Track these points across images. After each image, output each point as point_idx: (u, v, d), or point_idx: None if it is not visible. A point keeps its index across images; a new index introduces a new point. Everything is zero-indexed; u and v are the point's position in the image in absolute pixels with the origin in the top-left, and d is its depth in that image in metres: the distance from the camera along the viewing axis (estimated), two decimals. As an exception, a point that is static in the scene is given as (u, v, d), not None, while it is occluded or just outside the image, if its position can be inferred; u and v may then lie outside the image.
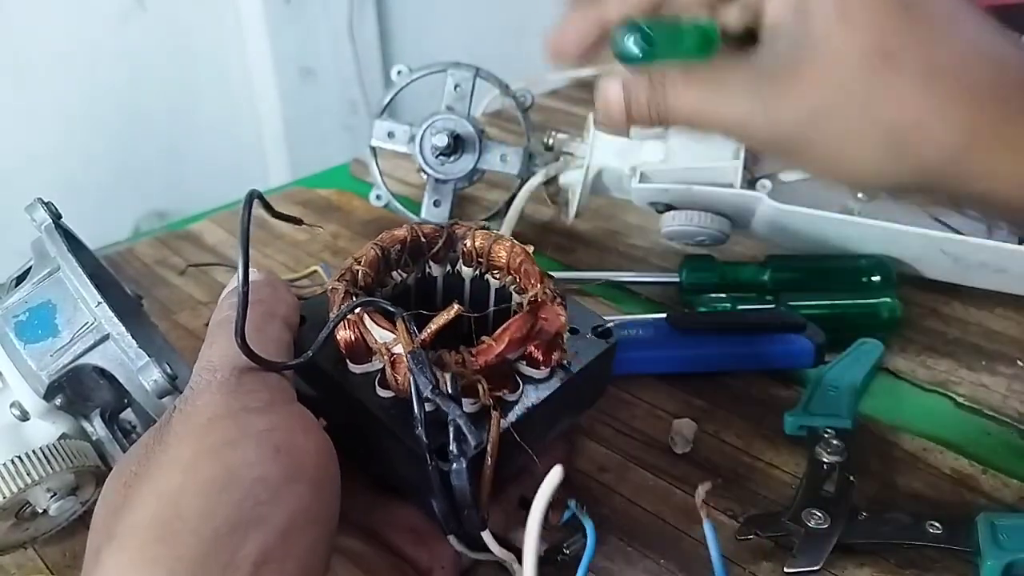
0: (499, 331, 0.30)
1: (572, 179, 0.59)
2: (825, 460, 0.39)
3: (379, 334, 0.30)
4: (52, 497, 0.36)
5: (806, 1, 0.28)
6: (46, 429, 0.37)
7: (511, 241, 0.36)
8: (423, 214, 0.62)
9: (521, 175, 0.61)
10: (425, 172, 0.61)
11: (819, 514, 0.36)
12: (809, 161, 0.31)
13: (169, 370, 0.36)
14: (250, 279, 0.32)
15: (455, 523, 0.30)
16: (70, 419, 0.38)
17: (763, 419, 0.44)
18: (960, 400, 0.45)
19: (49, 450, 0.35)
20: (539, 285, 0.33)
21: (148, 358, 0.36)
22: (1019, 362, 0.48)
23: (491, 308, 0.37)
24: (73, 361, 0.36)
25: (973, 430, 0.43)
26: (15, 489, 0.34)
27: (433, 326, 0.29)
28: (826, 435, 0.40)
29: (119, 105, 1.16)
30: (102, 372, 0.37)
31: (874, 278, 0.50)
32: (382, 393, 0.30)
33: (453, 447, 0.28)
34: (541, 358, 0.32)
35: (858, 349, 0.47)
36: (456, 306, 0.29)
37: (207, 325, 0.55)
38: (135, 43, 1.15)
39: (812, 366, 0.46)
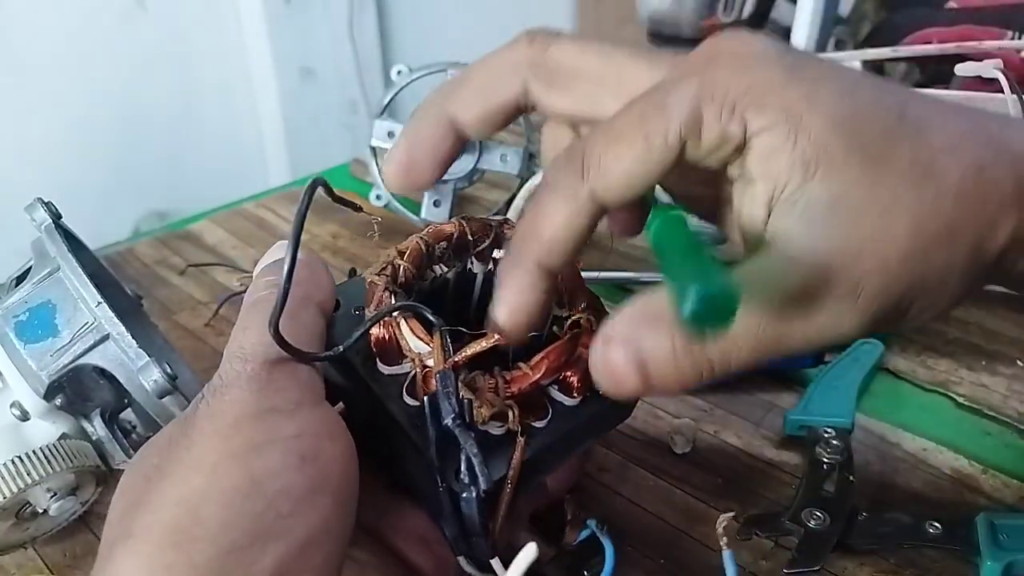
0: (538, 359, 0.29)
1: (572, 179, 0.59)
2: (825, 460, 0.39)
3: (414, 343, 0.29)
4: (52, 497, 0.36)
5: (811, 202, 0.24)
6: (46, 429, 0.37)
7: None
8: (423, 214, 0.62)
9: (521, 175, 0.61)
10: (425, 172, 0.61)
11: (819, 514, 0.36)
12: (917, 316, 0.26)
13: (169, 370, 0.36)
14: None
15: (465, 546, 0.29)
16: (70, 419, 0.38)
17: (763, 419, 0.44)
18: (960, 400, 0.45)
19: (49, 450, 0.35)
20: (583, 307, 0.31)
21: (148, 358, 0.36)
22: (1019, 362, 0.48)
23: None
24: (73, 361, 0.36)
25: (973, 430, 0.43)
26: (15, 489, 0.34)
27: (469, 351, 0.28)
28: (826, 435, 0.40)
29: (119, 105, 1.16)
30: (102, 372, 0.37)
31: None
32: (409, 400, 0.29)
33: (465, 475, 0.27)
34: (575, 386, 0.30)
35: (858, 349, 0.47)
36: (496, 336, 0.28)
37: (207, 325, 0.55)
38: (135, 43, 1.15)
39: (812, 366, 0.46)
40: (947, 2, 0.79)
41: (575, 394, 0.30)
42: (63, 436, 0.38)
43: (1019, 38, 0.68)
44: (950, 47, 0.65)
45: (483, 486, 0.26)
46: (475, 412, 0.28)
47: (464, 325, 0.31)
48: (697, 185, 0.28)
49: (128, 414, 0.41)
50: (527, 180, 0.60)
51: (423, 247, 0.33)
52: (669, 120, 0.25)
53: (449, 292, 0.35)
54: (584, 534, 0.33)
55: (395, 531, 0.31)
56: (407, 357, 0.29)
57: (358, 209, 0.32)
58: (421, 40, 1.44)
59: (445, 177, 0.60)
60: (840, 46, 0.87)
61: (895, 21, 0.80)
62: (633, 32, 1.20)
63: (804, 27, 0.79)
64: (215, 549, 0.22)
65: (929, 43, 0.68)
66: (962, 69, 0.59)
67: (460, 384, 0.28)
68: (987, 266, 0.25)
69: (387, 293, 0.30)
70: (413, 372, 0.29)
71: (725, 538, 0.30)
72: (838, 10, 0.84)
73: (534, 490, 0.32)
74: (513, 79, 0.30)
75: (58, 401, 0.37)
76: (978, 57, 0.60)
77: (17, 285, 0.38)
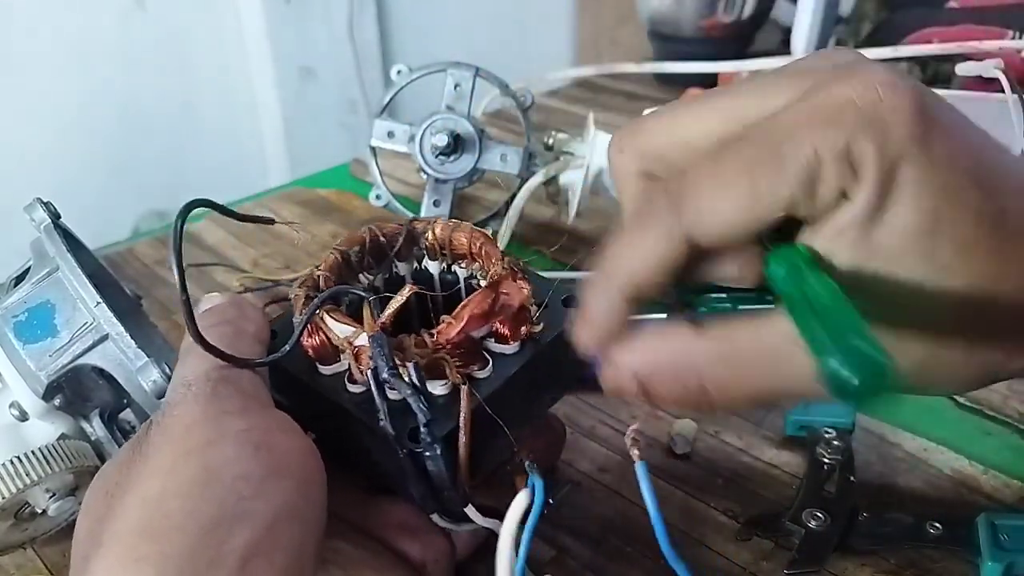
0: (459, 308, 0.31)
1: (572, 179, 0.59)
2: (825, 460, 0.39)
3: (340, 330, 0.31)
4: (51, 497, 0.36)
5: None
6: (45, 429, 0.37)
7: (470, 226, 0.36)
8: (423, 214, 0.62)
9: (521, 175, 0.61)
10: (425, 172, 0.61)
11: (819, 514, 0.36)
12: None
13: (168, 370, 0.36)
14: (214, 302, 0.34)
15: (434, 503, 0.30)
16: (69, 419, 0.38)
17: (763, 419, 0.44)
18: (961, 400, 0.45)
19: (48, 450, 0.35)
20: (499, 262, 0.33)
21: (147, 358, 0.36)
22: (1020, 362, 0.48)
23: (462, 297, 0.36)
24: (72, 361, 0.36)
25: (974, 430, 0.43)
26: (14, 489, 0.34)
27: (389, 309, 0.30)
28: (827, 435, 0.40)
29: (119, 105, 1.15)
30: (101, 372, 0.37)
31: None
32: (352, 388, 0.31)
33: (424, 433, 0.28)
34: (508, 333, 0.32)
35: (859, 349, 0.47)
36: (409, 286, 0.31)
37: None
38: (135, 43, 1.14)
39: (812, 366, 0.46)
40: (947, 2, 0.79)
41: (511, 341, 0.32)
42: (62, 436, 0.37)
43: (1019, 38, 0.68)
44: (951, 47, 0.65)
45: (423, 420, 0.28)
46: (410, 370, 0.29)
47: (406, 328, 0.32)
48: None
49: (127, 414, 0.41)
50: (527, 180, 0.60)
51: (339, 256, 0.35)
52: (784, 172, 0.22)
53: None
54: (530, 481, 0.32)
55: (377, 523, 0.32)
56: (341, 351, 0.31)
57: (269, 222, 0.34)
58: (421, 40, 1.44)
59: (444, 177, 0.61)
60: (840, 46, 0.87)
61: (896, 21, 0.80)
62: (633, 32, 1.20)
63: (804, 27, 0.79)
64: (183, 535, 0.23)
65: (930, 43, 0.68)
66: (963, 69, 0.59)
67: (389, 344, 0.29)
68: None
69: (310, 301, 0.32)
70: (349, 361, 0.31)
71: (635, 450, 0.30)
72: (838, 10, 0.84)
73: (499, 445, 0.32)
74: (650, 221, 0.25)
75: (57, 401, 0.37)
76: (979, 57, 0.60)
77: (16, 285, 0.38)
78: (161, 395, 0.36)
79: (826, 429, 0.41)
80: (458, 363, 0.30)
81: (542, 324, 0.34)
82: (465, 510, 0.30)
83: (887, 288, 0.23)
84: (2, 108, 1.06)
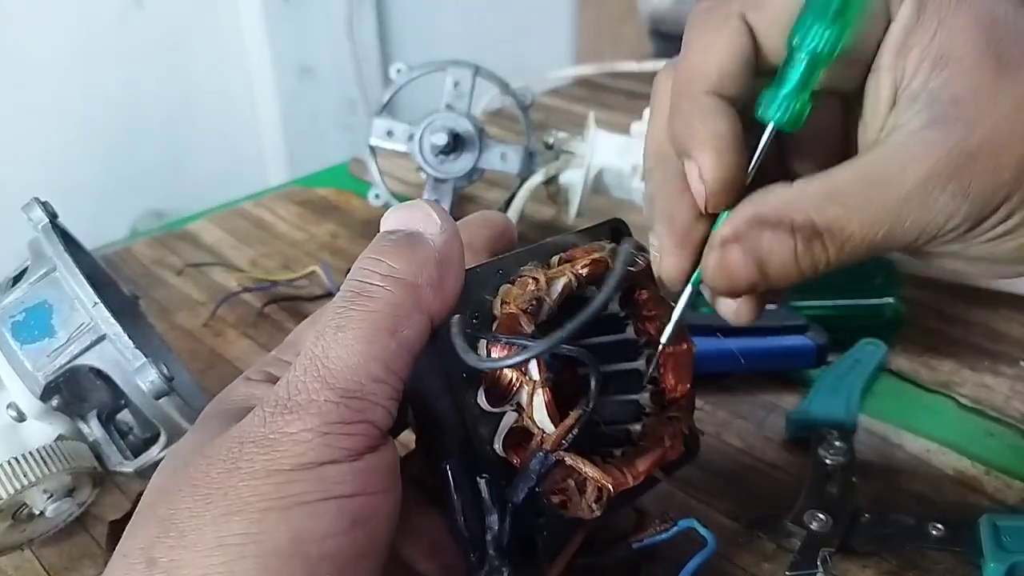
0: (642, 468, 0.29)
1: (573, 178, 0.59)
2: (827, 461, 0.39)
3: (540, 419, 0.27)
4: (49, 499, 0.36)
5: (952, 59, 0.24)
6: (43, 430, 0.37)
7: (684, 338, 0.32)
8: (422, 213, 0.61)
9: (521, 174, 0.60)
10: (424, 171, 0.61)
11: (821, 516, 0.36)
12: (983, 247, 0.26)
13: (166, 371, 0.35)
14: (429, 227, 0.26)
15: None
16: (67, 420, 0.38)
17: (765, 420, 0.44)
18: (963, 401, 0.45)
19: (46, 451, 0.35)
20: (687, 419, 0.32)
21: (145, 359, 0.35)
22: (1022, 363, 0.48)
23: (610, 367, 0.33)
24: (69, 362, 0.36)
25: (976, 431, 0.43)
26: (12, 491, 0.34)
27: (583, 467, 0.27)
28: (828, 436, 0.40)
29: (117, 104, 1.15)
30: (99, 373, 0.37)
31: (876, 278, 0.50)
32: (498, 450, 0.27)
33: (492, 544, 0.26)
34: (647, 472, 0.30)
35: (861, 350, 0.47)
36: (581, 411, 0.27)
37: (205, 325, 0.55)
38: (133, 42, 1.14)
39: (814, 367, 0.46)
40: None
41: (641, 476, 0.30)
42: (60, 437, 0.37)
43: None
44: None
45: (506, 545, 0.26)
46: (571, 508, 0.27)
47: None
48: (841, 79, 0.27)
49: (125, 415, 0.40)
50: (527, 179, 0.59)
51: (574, 286, 0.28)
52: None
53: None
54: (663, 535, 0.32)
55: (403, 536, 0.28)
56: (516, 409, 0.27)
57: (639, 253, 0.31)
58: (420, 38, 1.44)
59: (444, 176, 0.60)
60: None
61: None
62: (633, 31, 1.20)
63: (805, 26, 0.78)
64: None
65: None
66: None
67: (581, 470, 0.27)
68: None
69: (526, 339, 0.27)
70: (513, 425, 0.27)
71: None
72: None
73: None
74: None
75: (54, 402, 0.37)
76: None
77: (13, 285, 0.37)
78: (159, 396, 0.36)
79: (828, 430, 0.40)
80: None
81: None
82: None
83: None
84: (0, 108, 1.06)
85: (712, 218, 0.28)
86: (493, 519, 0.26)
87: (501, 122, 0.83)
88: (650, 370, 0.32)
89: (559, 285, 0.28)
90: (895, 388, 0.46)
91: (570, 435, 0.26)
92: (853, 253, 0.25)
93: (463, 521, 0.26)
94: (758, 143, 0.26)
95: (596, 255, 0.29)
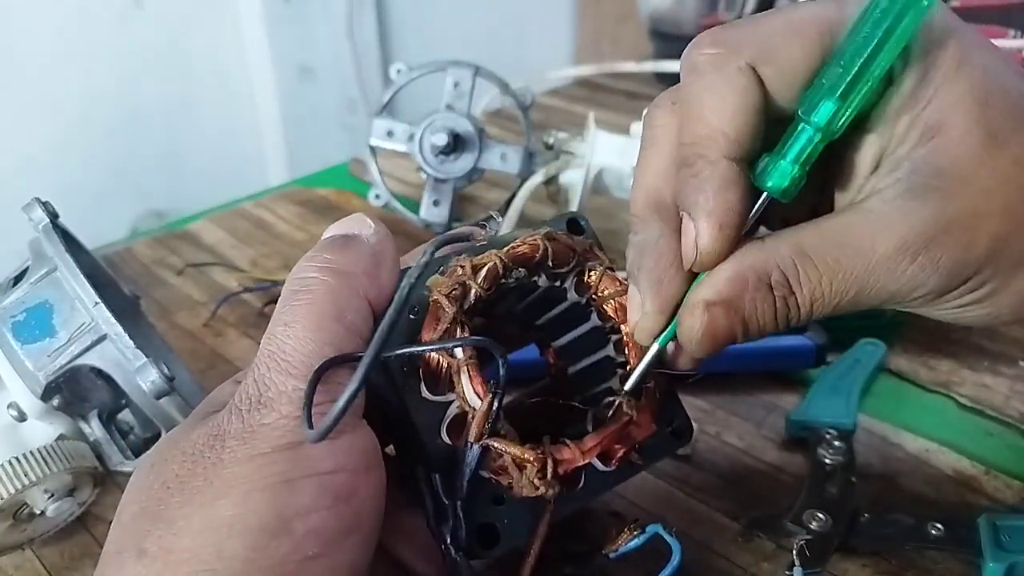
0: (590, 445, 0.28)
1: (572, 178, 0.59)
2: (827, 461, 0.39)
3: (471, 397, 0.27)
4: (50, 498, 0.36)
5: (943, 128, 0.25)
6: (43, 430, 0.37)
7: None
8: (422, 214, 0.62)
9: (521, 174, 0.60)
10: (424, 171, 0.61)
11: (821, 516, 0.36)
12: (978, 310, 0.26)
13: (167, 371, 0.35)
14: (365, 232, 0.27)
15: None
16: (67, 420, 0.38)
17: (765, 420, 0.44)
18: (962, 401, 0.45)
19: (47, 451, 0.35)
20: (652, 383, 0.31)
21: (146, 359, 0.35)
22: (1021, 362, 0.48)
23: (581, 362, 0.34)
24: (70, 362, 0.36)
25: (975, 431, 0.43)
26: (13, 490, 0.34)
27: (507, 448, 0.27)
28: (828, 436, 0.40)
29: (117, 105, 1.15)
30: (99, 373, 0.37)
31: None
32: (446, 439, 0.27)
33: (448, 536, 0.26)
34: (616, 457, 0.30)
35: (860, 350, 0.47)
36: (535, 454, 0.27)
37: (206, 325, 0.55)
38: (133, 42, 1.14)
39: (814, 367, 0.46)
40: (948, 2, 0.79)
41: (613, 463, 0.30)
42: (60, 437, 0.37)
43: (1020, 37, 0.68)
44: (951, 46, 0.64)
45: (464, 538, 0.26)
46: (515, 487, 0.27)
47: (514, 326, 0.30)
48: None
49: (126, 415, 0.40)
50: (527, 179, 0.59)
51: (500, 269, 0.29)
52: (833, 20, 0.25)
53: (508, 296, 0.33)
54: (634, 542, 0.31)
55: (393, 535, 0.29)
56: (455, 396, 0.28)
57: (481, 225, 0.31)
58: (420, 38, 1.44)
59: (444, 176, 0.60)
60: None
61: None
62: (633, 31, 1.20)
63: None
64: None
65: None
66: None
67: (505, 453, 0.27)
68: None
69: (455, 325, 0.28)
70: (455, 412, 0.27)
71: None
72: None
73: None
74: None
75: (55, 402, 0.37)
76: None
77: (14, 285, 0.38)
78: (159, 395, 0.36)
79: (827, 430, 0.41)
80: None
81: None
82: None
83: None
84: (0, 108, 1.06)
85: (691, 276, 0.27)
86: (448, 512, 0.26)
87: (501, 122, 0.83)
88: (617, 357, 0.32)
89: (484, 270, 0.29)
90: (894, 388, 0.47)
91: (490, 420, 0.27)
92: (820, 311, 0.26)
93: (430, 516, 0.27)
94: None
95: (527, 239, 0.30)
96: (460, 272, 0.28)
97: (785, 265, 0.26)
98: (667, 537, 0.31)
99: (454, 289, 0.28)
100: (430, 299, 0.28)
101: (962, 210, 0.24)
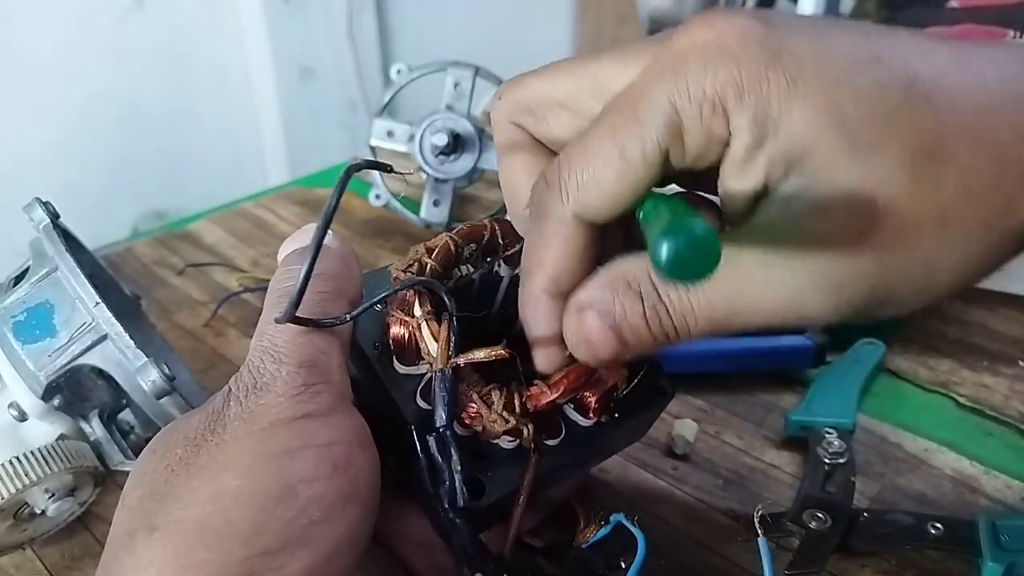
0: (557, 377, 0.29)
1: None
2: (826, 461, 0.39)
3: (433, 347, 0.29)
4: (50, 498, 0.36)
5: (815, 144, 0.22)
6: (44, 430, 0.37)
7: None
8: (422, 214, 0.62)
9: (521, 175, 0.60)
10: (425, 171, 0.61)
11: (820, 515, 0.36)
12: (898, 306, 0.24)
13: (167, 370, 0.35)
14: (330, 239, 0.30)
15: (470, 570, 0.28)
16: (68, 420, 0.38)
17: (764, 420, 0.44)
18: (962, 400, 0.45)
19: (47, 451, 0.35)
20: None
21: (146, 358, 0.35)
22: (1021, 362, 0.48)
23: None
24: (71, 362, 0.36)
25: (975, 431, 0.43)
26: (13, 490, 0.34)
27: (472, 356, 0.28)
28: (827, 436, 0.40)
29: (118, 105, 1.15)
30: (100, 372, 0.37)
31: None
32: (422, 404, 0.29)
33: (448, 508, 0.27)
34: (592, 407, 0.30)
35: (859, 349, 0.47)
36: (503, 351, 0.28)
37: (206, 325, 0.55)
38: (134, 43, 1.14)
39: (813, 366, 0.46)
40: (948, 2, 0.79)
41: (591, 415, 0.30)
42: (61, 437, 0.37)
43: (1021, 38, 0.68)
44: (951, 46, 0.64)
45: (461, 503, 0.27)
46: (487, 426, 0.28)
47: (485, 326, 0.30)
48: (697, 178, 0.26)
49: (126, 415, 0.41)
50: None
51: (452, 247, 0.32)
52: (644, 130, 0.23)
53: (473, 292, 0.34)
54: (601, 532, 0.32)
55: (396, 534, 0.30)
56: (424, 359, 0.29)
57: (388, 169, 0.30)
58: (420, 39, 1.44)
59: (444, 176, 0.60)
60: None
61: (897, 20, 0.80)
62: (633, 31, 1.20)
63: (804, 26, 0.78)
64: (246, 551, 0.22)
65: (930, 42, 0.68)
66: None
67: (472, 393, 0.27)
68: (1000, 244, 0.23)
69: (411, 292, 0.29)
70: (429, 375, 0.29)
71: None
72: (839, 9, 0.84)
73: (538, 504, 0.32)
74: (518, 149, 0.29)
75: (56, 402, 0.37)
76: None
77: (15, 285, 0.38)
78: (160, 395, 0.36)
79: (827, 430, 0.41)
80: (536, 428, 0.28)
81: (625, 402, 0.31)
82: None
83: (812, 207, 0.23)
84: (1, 108, 1.06)
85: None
86: (443, 474, 0.27)
87: (501, 122, 0.83)
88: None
89: (437, 248, 0.32)
90: (894, 388, 0.47)
91: (451, 346, 0.28)
92: (696, 329, 0.24)
93: (425, 484, 0.28)
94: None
95: (474, 222, 0.33)
96: (415, 253, 0.31)
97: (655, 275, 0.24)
98: (631, 527, 0.31)
99: (409, 265, 0.31)
100: (391, 278, 0.31)
101: (845, 231, 0.22)
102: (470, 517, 0.27)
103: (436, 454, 0.27)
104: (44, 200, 0.38)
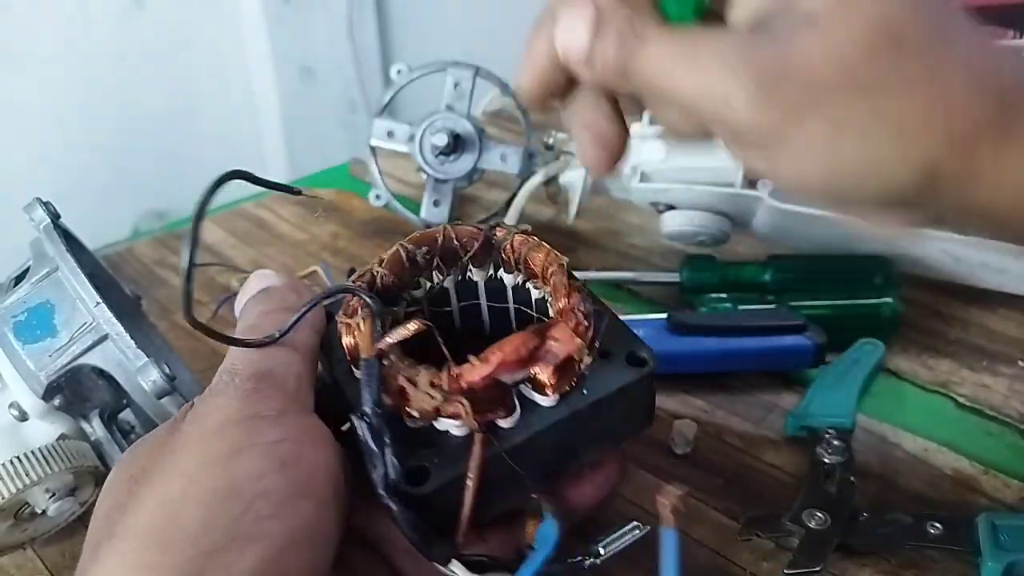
0: (489, 350, 0.27)
1: (572, 179, 0.59)
2: (826, 461, 0.39)
3: (362, 340, 0.29)
4: (51, 498, 0.36)
5: None
6: (45, 430, 0.37)
7: (547, 250, 0.33)
8: (423, 214, 0.62)
9: (521, 175, 0.60)
10: (425, 172, 0.61)
11: (820, 515, 0.36)
12: (791, 159, 0.25)
13: (168, 370, 0.36)
14: (268, 281, 0.34)
15: (426, 548, 0.27)
16: (69, 420, 0.38)
17: (764, 420, 0.44)
18: (961, 400, 0.45)
19: (48, 451, 0.35)
20: (564, 300, 0.30)
21: (147, 358, 0.36)
22: (1020, 362, 0.48)
23: (511, 324, 0.36)
24: (72, 361, 0.36)
25: (974, 430, 0.43)
26: (14, 490, 0.34)
27: (394, 336, 0.28)
28: (827, 435, 0.40)
29: (118, 105, 1.15)
30: (101, 372, 0.37)
31: (875, 278, 0.50)
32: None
33: (382, 491, 0.26)
34: (548, 383, 0.28)
35: (859, 349, 0.47)
36: (418, 323, 0.28)
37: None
38: (134, 43, 1.14)
39: (813, 366, 0.46)
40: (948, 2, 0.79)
41: (549, 391, 0.28)
42: (62, 437, 0.37)
43: (1021, 38, 0.68)
44: (951, 46, 0.64)
45: (393, 478, 0.27)
46: (412, 403, 0.27)
47: (475, 338, 0.30)
48: None
49: (127, 415, 0.40)
50: (527, 180, 0.60)
51: (403, 253, 0.33)
52: None
53: (454, 304, 0.35)
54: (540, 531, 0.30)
55: (383, 540, 0.30)
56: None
57: (296, 192, 0.33)
58: (420, 39, 1.44)
59: (444, 176, 0.60)
60: None
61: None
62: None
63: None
64: (195, 550, 0.23)
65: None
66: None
67: (398, 375, 0.28)
68: (930, 181, 0.25)
69: (357, 300, 0.31)
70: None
71: (675, 514, 0.29)
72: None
73: (512, 497, 0.30)
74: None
75: (57, 402, 0.37)
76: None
77: (15, 285, 0.38)
78: (161, 395, 0.36)
79: (827, 430, 0.41)
80: (479, 408, 0.27)
81: (599, 378, 0.30)
82: (450, 567, 0.27)
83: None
84: (1, 108, 1.06)
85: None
86: (376, 459, 0.27)
87: (501, 123, 0.83)
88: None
89: (387, 256, 0.33)
90: (893, 388, 0.47)
91: (376, 337, 0.29)
92: (640, 67, 0.26)
93: (369, 471, 0.28)
94: None
95: (426, 231, 0.34)
96: (370, 266, 0.33)
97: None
98: (547, 524, 0.29)
99: (360, 276, 0.32)
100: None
101: (835, 57, 0.24)
102: (418, 504, 0.27)
103: (368, 439, 0.27)
104: (44, 200, 0.38)
